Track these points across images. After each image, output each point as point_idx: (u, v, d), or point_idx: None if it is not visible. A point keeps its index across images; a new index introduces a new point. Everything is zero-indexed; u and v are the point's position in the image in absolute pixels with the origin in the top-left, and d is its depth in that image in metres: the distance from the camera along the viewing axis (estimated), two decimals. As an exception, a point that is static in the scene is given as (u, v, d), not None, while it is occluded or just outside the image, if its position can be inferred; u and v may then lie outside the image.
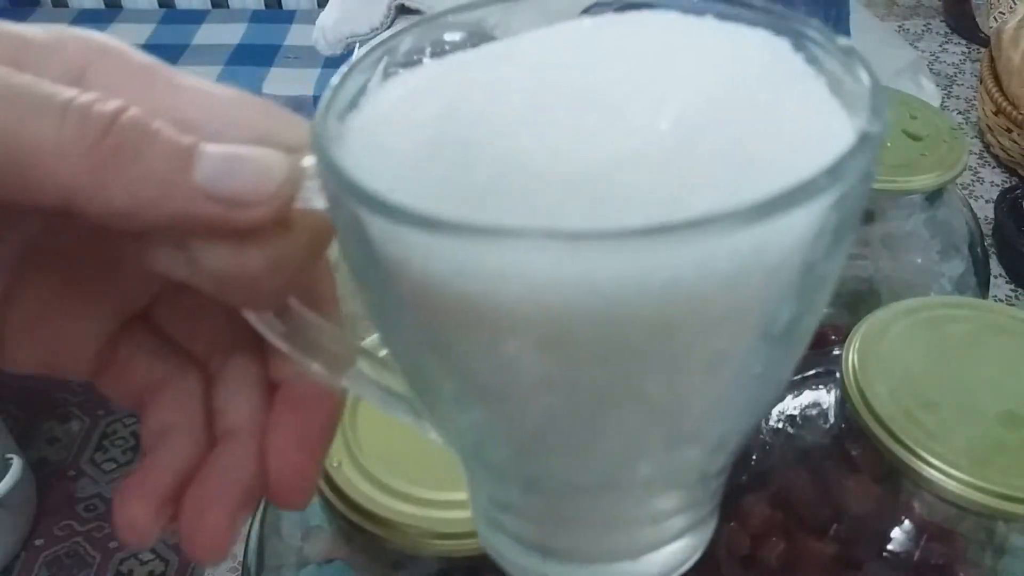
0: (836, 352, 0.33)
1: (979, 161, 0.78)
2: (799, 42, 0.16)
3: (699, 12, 0.17)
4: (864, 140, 0.14)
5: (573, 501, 0.19)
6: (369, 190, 0.14)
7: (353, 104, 0.17)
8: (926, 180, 0.43)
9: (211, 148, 0.16)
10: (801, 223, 0.13)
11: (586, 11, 0.18)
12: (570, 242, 0.12)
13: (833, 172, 0.13)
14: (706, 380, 0.15)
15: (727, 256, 0.13)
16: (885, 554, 0.30)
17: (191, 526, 0.18)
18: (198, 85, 0.17)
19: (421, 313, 0.15)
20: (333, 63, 1.00)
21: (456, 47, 0.18)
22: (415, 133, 0.16)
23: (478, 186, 0.14)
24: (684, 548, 0.20)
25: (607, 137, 0.14)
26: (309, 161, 0.16)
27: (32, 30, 0.16)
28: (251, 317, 0.18)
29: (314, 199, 0.16)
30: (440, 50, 0.18)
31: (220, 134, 0.16)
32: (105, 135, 0.15)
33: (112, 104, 0.15)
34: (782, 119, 0.15)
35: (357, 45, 1.02)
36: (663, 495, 0.19)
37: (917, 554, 0.30)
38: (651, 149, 0.14)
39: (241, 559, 0.36)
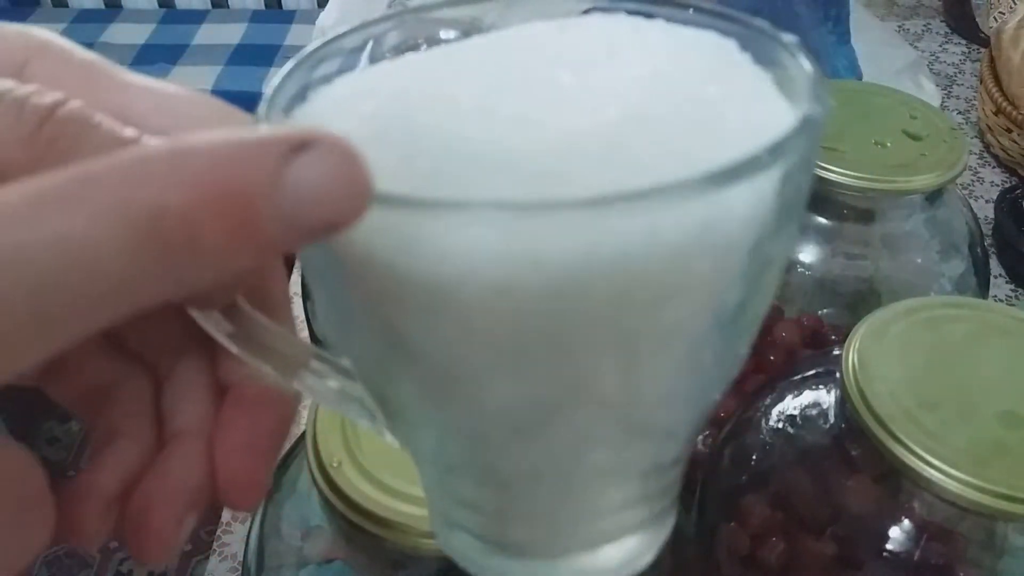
0: (836, 352, 0.33)
1: (979, 161, 0.78)
2: (747, 42, 0.17)
3: (650, 16, 0.18)
4: (806, 122, 0.14)
5: (527, 492, 0.19)
6: None
7: (301, 96, 0.17)
8: (926, 180, 0.43)
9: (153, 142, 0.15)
10: (745, 198, 0.14)
11: (585, 13, 0.18)
12: (517, 213, 0.12)
13: (775, 150, 0.13)
14: (656, 361, 0.15)
15: (674, 229, 0.13)
16: (885, 554, 0.30)
17: (136, 528, 0.18)
18: (142, 82, 0.17)
19: (368, 298, 0.15)
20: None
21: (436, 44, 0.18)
22: (360, 124, 0.16)
23: (422, 173, 0.14)
24: (642, 541, 0.20)
25: (551, 125, 0.15)
26: None
27: None
28: (197, 316, 0.18)
29: None
30: (412, 45, 0.18)
31: (164, 130, 0.16)
32: (42, 126, 0.14)
33: (50, 96, 0.15)
34: (728, 110, 0.16)
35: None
36: (617, 486, 0.19)
37: (917, 554, 0.30)
38: (595, 136, 0.14)
39: (241, 559, 0.36)
